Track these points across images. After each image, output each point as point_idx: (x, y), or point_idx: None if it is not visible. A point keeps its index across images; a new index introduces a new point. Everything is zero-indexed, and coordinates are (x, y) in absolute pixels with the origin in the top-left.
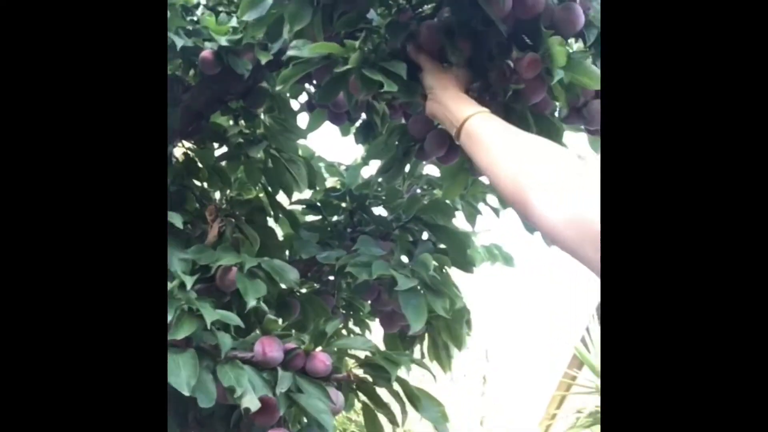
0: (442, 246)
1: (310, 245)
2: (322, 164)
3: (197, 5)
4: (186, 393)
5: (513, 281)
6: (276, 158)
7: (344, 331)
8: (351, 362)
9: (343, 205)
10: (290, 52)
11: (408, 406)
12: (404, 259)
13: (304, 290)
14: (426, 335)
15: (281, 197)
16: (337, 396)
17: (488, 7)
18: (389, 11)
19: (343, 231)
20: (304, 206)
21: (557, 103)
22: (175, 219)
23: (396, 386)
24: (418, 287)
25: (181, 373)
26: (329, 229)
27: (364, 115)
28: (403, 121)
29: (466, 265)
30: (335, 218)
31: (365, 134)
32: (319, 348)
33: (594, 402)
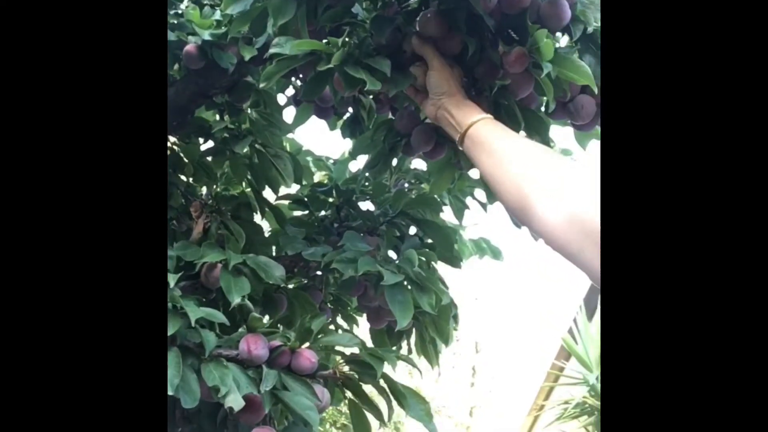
0: (430, 241)
1: (297, 241)
2: (310, 158)
3: None
4: (170, 392)
5: (501, 274)
6: (262, 153)
7: (332, 327)
8: (338, 359)
9: (330, 200)
10: (272, 50)
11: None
12: (392, 254)
13: (291, 286)
14: (414, 330)
15: (267, 193)
16: (323, 393)
17: (475, 2)
18: (374, 5)
19: (330, 226)
20: (290, 201)
21: (544, 98)
22: None
23: (382, 383)
24: (405, 283)
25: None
26: (316, 224)
27: (351, 109)
28: (390, 115)
29: (454, 259)
30: (322, 213)
31: (352, 129)
32: (305, 345)
33: (581, 393)
